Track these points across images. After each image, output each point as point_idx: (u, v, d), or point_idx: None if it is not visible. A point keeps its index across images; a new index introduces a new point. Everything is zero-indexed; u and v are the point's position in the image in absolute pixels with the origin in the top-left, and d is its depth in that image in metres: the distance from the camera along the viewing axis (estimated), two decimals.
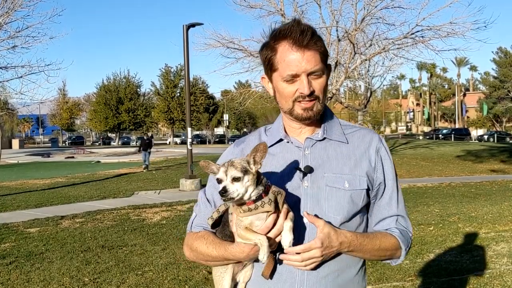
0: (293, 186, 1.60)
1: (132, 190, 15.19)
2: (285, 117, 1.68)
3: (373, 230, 1.69)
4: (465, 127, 66.78)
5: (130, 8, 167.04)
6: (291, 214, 1.49)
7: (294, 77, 1.56)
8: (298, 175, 1.60)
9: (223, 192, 1.43)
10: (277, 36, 1.59)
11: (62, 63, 34.25)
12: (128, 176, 19.88)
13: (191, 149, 16.64)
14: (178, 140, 66.52)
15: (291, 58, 1.55)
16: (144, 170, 21.76)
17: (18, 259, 6.88)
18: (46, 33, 18.91)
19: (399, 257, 1.69)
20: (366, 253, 1.60)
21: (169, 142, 67.10)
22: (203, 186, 15.69)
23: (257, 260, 1.55)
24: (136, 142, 58.28)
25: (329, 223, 1.54)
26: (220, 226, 1.60)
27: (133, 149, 29.57)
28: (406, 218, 1.72)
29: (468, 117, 74.85)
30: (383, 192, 1.68)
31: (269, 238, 1.46)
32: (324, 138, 1.65)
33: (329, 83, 20.27)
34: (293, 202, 1.56)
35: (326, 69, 1.61)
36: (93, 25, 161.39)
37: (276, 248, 1.52)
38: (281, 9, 18.23)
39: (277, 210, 1.47)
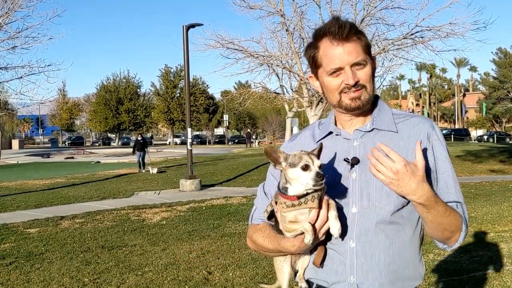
0: (341, 177, 1.64)
1: (132, 190, 15.20)
2: (336, 110, 1.73)
3: None
4: (465, 127, 66.78)
5: (130, 9, 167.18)
6: (332, 203, 1.54)
7: (338, 70, 1.60)
8: (346, 166, 1.64)
9: (322, 177, 1.46)
10: (317, 34, 1.64)
11: (62, 63, 34.27)
12: (128, 176, 19.88)
13: (191, 150, 16.65)
14: (178, 140, 66.53)
15: (333, 52, 1.59)
16: (143, 171, 21.25)
17: (18, 259, 6.88)
18: (46, 34, 18.87)
19: (457, 239, 1.65)
20: (437, 216, 1.55)
21: (169, 143, 67.11)
22: (203, 186, 15.77)
23: (311, 252, 1.65)
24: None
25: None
26: (274, 221, 1.67)
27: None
28: (463, 206, 1.68)
29: (467, 117, 74.87)
30: (437, 179, 1.66)
31: (314, 230, 1.51)
32: (373, 129, 1.67)
33: None
34: (341, 193, 1.61)
35: (370, 59, 1.63)
36: (93, 25, 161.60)
37: (325, 238, 1.59)
38: (280, 10, 18.23)
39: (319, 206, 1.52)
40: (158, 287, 5.49)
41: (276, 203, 1.58)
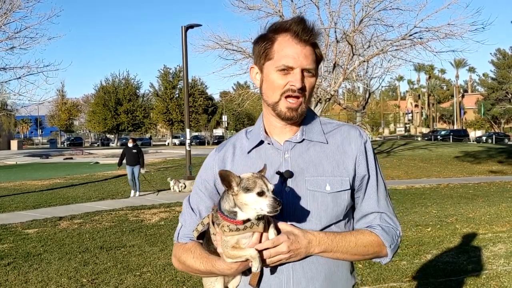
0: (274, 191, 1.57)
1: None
2: (267, 114, 1.63)
3: (355, 228, 1.65)
4: (464, 128, 66.87)
5: (129, 9, 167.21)
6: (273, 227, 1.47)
7: (288, 69, 1.52)
8: (279, 179, 1.55)
9: (279, 203, 1.38)
10: (277, 28, 1.56)
11: (61, 64, 34.30)
12: (126, 177, 19.84)
13: (190, 150, 16.66)
14: (176, 141, 66.46)
15: (290, 50, 1.52)
16: (137, 195, 14.06)
17: (16, 260, 6.88)
18: (45, 34, 18.91)
19: (387, 255, 1.61)
20: (344, 253, 1.54)
21: (168, 143, 67.07)
22: None
23: (245, 273, 1.55)
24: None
25: (292, 225, 1.50)
26: (205, 241, 1.57)
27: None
28: (391, 216, 1.64)
29: (466, 118, 74.99)
30: (365, 188, 1.62)
31: (261, 255, 1.44)
32: (303, 140, 1.60)
33: (327, 84, 20.16)
34: None
35: (317, 72, 1.58)
36: (92, 26, 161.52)
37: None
38: (279, 11, 18.26)
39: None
40: (156, 287, 5.49)
41: (213, 223, 1.48)
